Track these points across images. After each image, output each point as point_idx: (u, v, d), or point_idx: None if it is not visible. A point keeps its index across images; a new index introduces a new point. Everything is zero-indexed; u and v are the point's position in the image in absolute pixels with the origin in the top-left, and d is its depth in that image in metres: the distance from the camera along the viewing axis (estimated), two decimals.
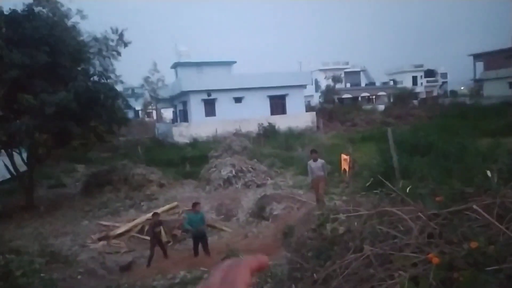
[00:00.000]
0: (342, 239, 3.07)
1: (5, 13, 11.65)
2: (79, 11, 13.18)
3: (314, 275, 4.06)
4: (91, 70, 13.72)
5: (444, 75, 70.61)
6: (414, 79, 63.89)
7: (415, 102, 46.50)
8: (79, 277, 7.16)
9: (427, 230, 2.42)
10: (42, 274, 6.10)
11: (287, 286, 5.05)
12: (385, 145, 14.32)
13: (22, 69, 10.79)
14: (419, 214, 2.54)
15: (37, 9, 12.12)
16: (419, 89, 60.53)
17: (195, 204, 8.84)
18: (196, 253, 8.41)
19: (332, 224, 3.17)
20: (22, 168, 13.29)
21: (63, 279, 6.71)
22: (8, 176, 14.25)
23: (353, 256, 2.64)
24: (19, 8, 11.87)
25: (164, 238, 9.72)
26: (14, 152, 12.80)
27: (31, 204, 12.69)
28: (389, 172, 9.46)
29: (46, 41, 11.50)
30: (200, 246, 8.45)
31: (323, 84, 47.23)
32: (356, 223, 3.06)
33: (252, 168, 14.84)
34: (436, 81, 67.90)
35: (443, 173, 9.53)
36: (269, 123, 28.54)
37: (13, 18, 11.59)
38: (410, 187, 3.32)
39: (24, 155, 13.08)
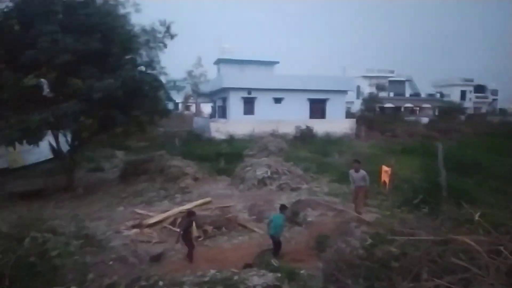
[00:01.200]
0: (396, 264, 2.78)
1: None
2: (135, 4, 13.48)
3: None
4: (138, 60, 13.97)
5: (494, 92, 67.11)
6: (463, 94, 61.10)
7: (462, 117, 44.36)
8: (110, 263, 7.20)
9: (508, 267, 2.10)
10: (76, 257, 6.18)
11: None
12: (428, 159, 13.65)
13: (74, 54, 11.12)
14: (500, 248, 2.22)
15: None
16: (467, 104, 57.81)
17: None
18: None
19: (385, 246, 2.88)
20: (65, 149, 13.76)
21: (95, 264, 6.75)
22: (51, 156, 14.86)
23: (412, 286, 2.36)
24: None
25: (194, 232, 9.70)
26: (59, 134, 13.25)
27: (71, 185, 13.10)
28: (434, 190, 8.94)
29: (98, 29, 11.82)
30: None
31: (366, 91, 46.12)
32: (413, 247, 2.76)
33: (287, 170, 14.58)
34: (486, 97, 64.65)
35: (493, 196, 8.90)
36: (307, 126, 28.14)
37: (69, 5, 11.98)
38: (479, 213, 2.96)
39: (69, 137, 13.51)
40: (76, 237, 7.91)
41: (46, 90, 11.59)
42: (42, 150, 15.51)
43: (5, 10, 12.03)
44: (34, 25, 11.20)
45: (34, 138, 11.21)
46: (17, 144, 11.41)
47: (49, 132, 12.50)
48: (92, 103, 11.17)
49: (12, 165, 15.94)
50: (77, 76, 11.30)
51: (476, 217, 2.95)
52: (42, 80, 11.19)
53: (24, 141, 11.31)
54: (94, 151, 20.36)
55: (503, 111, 57.65)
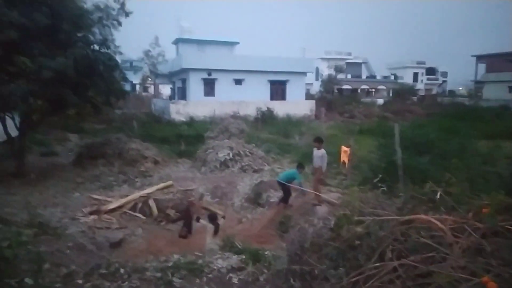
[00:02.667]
0: (362, 244, 2.85)
1: None
2: None
3: (315, 271, 3.87)
4: (91, 38, 13.19)
5: (444, 74, 70.73)
6: (415, 76, 63.83)
7: (415, 98, 46.39)
8: (67, 251, 6.90)
9: (472, 246, 2.18)
10: (29, 246, 5.86)
11: (285, 279, 4.86)
12: (384, 139, 14.16)
13: (20, 30, 10.29)
14: (464, 226, 2.31)
15: None
16: (419, 86, 60.51)
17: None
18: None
19: (351, 226, 2.94)
20: (14, 133, 12.88)
21: (51, 253, 6.44)
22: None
23: (378, 266, 2.42)
24: None
25: (156, 217, 9.54)
26: (6, 117, 12.37)
27: (22, 171, 12.34)
28: (391, 169, 9.30)
29: (46, 3, 10.97)
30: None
31: (325, 73, 46.83)
32: (377, 227, 2.83)
33: (249, 152, 14.60)
34: (436, 79, 67.99)
35: (446, 173, 9.40)
36: (268, 108, 28.25)
37: None
38: (441, 190, 3.08)
39: (17, 120, 12.65)
40: (29, 225, 7.52)
41: None
42: None
43: None
44: None
45: None
46: None
47: None
48: (42, 83, 10.44)
49: None
50: (24, 53, 10.47)
51: (438, 195, 3.07)
52: None
53: None
54: (46, 134, 19.27)
55: (451, 93, 60.87)
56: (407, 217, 2.74)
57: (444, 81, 70.19)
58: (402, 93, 44.00)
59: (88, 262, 6.55)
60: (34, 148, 16.36)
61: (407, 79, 59.81)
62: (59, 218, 8.81)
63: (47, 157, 15.92)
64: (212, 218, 8.73)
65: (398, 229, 2.75)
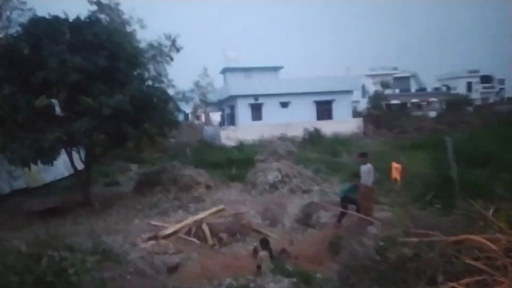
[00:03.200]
0: (410, 266, 2.83)
1: (70, 20, 12.39)
2: (140, 20, 13.78)
3: None
4: (146, 75, 14.22)
5: (501, 81, 66.12)
6: (469, 85, 60.48)
7: (470, 109, 43.86)
8: (128, 276, 7.30)
9: None
10: (93, 273, 6.27)
11: None
12: (438, 153, 13.56)
13: (83, 73, 11.39)
14: None
15: (99, 15, 12.77)
16: (474, 95, 57.16)
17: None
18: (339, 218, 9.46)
19: (398, 248, 2.94)
20: (80, 166, 14.02)
21: (113, 278, 6.85)
22: (67, 174, 15.13)
23: None
24: (84, 15, 12.59)
25: (209, 241, 9.81)
26: (73, 151, 13.53)
27: (87, 200, 13.33)
28: (446, 184, 8.90)
29: (105, 47, 12.08)
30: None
31: (371, 89, 45.94)
32: (427, 248, 2.80)
33: (298, 173, 14.65)
34: (492, 87, 63.80)
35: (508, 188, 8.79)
36: (315, 128, 28.17)
37: (76, 25, 12.28)
38: (493, 209, 2.99)
39: (82, 154, 13.78)
40: (93, 252, 8.02)
41: (57, 110, 11.87)
42: (59, 168, 15.81)
43: (15, 35, 12.40)
44: (43, 46, 11.50)
45: (48, 157, 11.47)
46: (38, 163, 11.69)
47: (63, 151, 12.76)
48: (103, 119, 11.40)
49: (31, 185, 16.27)
50: (87, 94, 11.54)
51: (490, 214, 2.98)
52: (53, 100, 11.47)
53: (39, 161, 11.58)
54: (109, 166, 20.67)
55: (511, 100, 56.77)
56: (455, 238, 2.69)
57: (501, 89, 65.73)
58: (456, 104, 41.84)
59: (147, 287, 6.91)
60: (98, 179, 17.63)
61: (460, 89, 56.87)
62: (121, 244, 9.34)
63: (110, 186, 17.04)
64: (265, 243, 8.62)
65: (450, 250, 2.71)
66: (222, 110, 37.56)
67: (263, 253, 7.74)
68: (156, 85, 13.92)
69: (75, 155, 13.54)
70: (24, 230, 10.07)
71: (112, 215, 12.16)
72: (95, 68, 11.62)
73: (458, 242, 2.86)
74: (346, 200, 9.66)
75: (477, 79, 61.42)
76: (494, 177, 9.70)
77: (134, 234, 10.09)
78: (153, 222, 10.93)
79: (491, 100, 58.76)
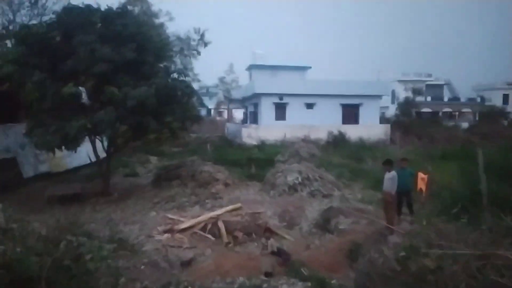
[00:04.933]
0: (431, 278, 2.61)
1: (102, 10, 12.57)
2: (168, 13, 13.86)
3: None
4: (172, 68, 14.28)
5: None
6: (505, 98, 58.07)
7: (505, 122, 42.14)
8: (142, 267, 7.31)
9: None
10: (109, 261, 6.29)
11: None
12: (469, 165, 12.96)
13: (110, 63, 11.52)
14: None
15: (130, 7, 12.90)
16: (510, 108, 54.87)
17: (402, 160, 9.74)
18: (399, 211, 9.25)
19: (420, 258, 2.71)
20: (102, 155, 14.24)
21: (128, 268, 6.88)
22: (89, 161, 15.42)
23: None
24: (115, 5, 12.76)
25: (224, 238, 9.70)
26: (96, 140, 13.75)
27: (107, 190, 13.52)
28: (474, 198, 8.45)
29: (134, 39, 12.19)
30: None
31: (401, 95, 44.82)
32: (450, 261, 2.58)
33: (319, 176, 14.34)
34: None
35: None
36: (340, 132, 27.68)
37: (107, 15, 12.44)
38: None
39: (105, 143, 13.98)
40: (110, 241, 8.09)
41: (84, 98, 12.07)
42: (82, 155, 16.16)
43: (48, 22, 12.68)
44: (74, 36, 11.70)
45: (73, 144, 11.68)
46: (62, 149, 11.94)
47: (87, 138, 12.98)
48: (127, 110, 11.50)
49: (54, 169, 16.68)
50: (113, 84, 11.68)
51: None
52: (80, 88, 11.66)
53: (63, 147, 11.80)
54: (129, 157, 20.97)
55: None
56: (481, 252, 2.46)
57: None
58: (491, 115, 40.27)
59: (160, 279, 6.88)
60: (118, 169, 17.89)
61: (496, 101, 54.70)
62: (137, 235, 9.41)
63: (129, 177, 17.26)
64: (281, 252, 8.41)
65: (474, 265, 2.47)
66: (246, 107, 37.49)
67: (272, 241, 7.98)
68: (181, 78, 13.93)
69: (98, 144, 13.74)
70: (45, 214, 10.28)
71: (130, 206, 12.27)
72: (122, 60, 11.74)
73: (484, 257, 2.62)
74: (401, 194, 9.27)
75: None
76: None
77: (150, 226, 10.14)
78: (170, 216, 10.93)
79: None
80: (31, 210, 10.72)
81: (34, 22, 12.85)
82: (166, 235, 9.51)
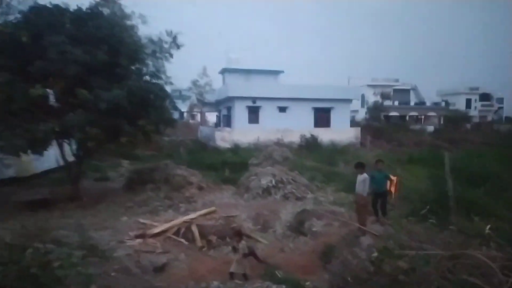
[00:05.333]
0: (406, 279, 2.71)
1: (71, 10, 12.23)
2: (142, 16, 13.63)
3: None
4: (144, 70, 14.07)
5: (500, 100, 66.68)
6: (468, 102, 60.92)
7: (468, 126, 44.11)
8: (113, 274, 7.14)
9: None
10: (79, 268, 6.13)
11: None
12: (435, 169, 13.49)
13: (82, 65, 11.23)
14: None
15: (101, 8, 12.62)
16: (472, 112, 57.52)
17: (377, 162, 9.75)
18: (376, 213, 9.29)
19: (394, 260, 2.81)
20: (71, 159, 13.82)
21: (99, 275, 6.70)
22: (58, 165, 14.92)
23: None
24: (85, 6, 12.43)
25: (198, 242, 9.63)
26: (64, 143, 13.31)
27: (77, 194, 13.12)
28: (442, 200, 8.81)
29: (106, 40, 11.93)
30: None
31: (371, 99, 46.04)
32: (422, 262, 2.69)
33: (292, 179, 14.51)
34: (491, 105, 64.30)
35: (504, 208, 8.73)
36: (312, 135, 28.10)
37: (77, 16, 12.13)
38: (489, 226, 2.89)
39: (74, 147, 13.58)
40: (80, 247, 7.86)
41: (52, 100, 11.68)
42: (51, 159, 15.61)
43: (14, 21, 12.20)
44: (43, 36, 11.33)
45: (40, 148, 11.29)
46: (28, 153, 11.50)
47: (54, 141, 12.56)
48: (98, 113, 11.23)
49: (21, 174, 16.00)
50: (84, 86, 11.38)
51: (487, 230, 2.88)
52: (48, 90, 11.29)
53: (30, 151, 11.37)
54: (100, 161, 20.43)
55: (509, 120, 57.19)
56: (451, 253, 2.58)
57: (500, 108, 66.21)
58: (455, 120, 42.05)
59: (132, 285, 6.75)
60: (89, 173, 17.39)
61: (460, 105, 57.20)
62: (108, 241, 9.16)
63: (100, 181, 16.82)
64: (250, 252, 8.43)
65: (445, 265, 2.60)
66: (219, 111, 37.41)
67: (243, 243, 7.81)
68: (154, 81, 13.75)
69: (66, 147, 13.33)
70: (10, 221, 9.85)
71: (100, 211, 11.96)
72: (95, 62, 11.46)
73: (454, 258, 2.76)
74: (377, 195, 9.34)
75: (476, 97, 61.86)
76: (490, 196, 9.68)
77: (122, 231, 9.92)
78: (142, 220, 10.74)
79: (489, 118, 59.16)
80: None
81: None
82: (138, 240, 9.33)
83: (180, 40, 14.45)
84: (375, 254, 3.33)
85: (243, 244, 7.95)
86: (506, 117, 61.46)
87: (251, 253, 8.20)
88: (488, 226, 2.92)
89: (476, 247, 2.79)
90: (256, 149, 24.90)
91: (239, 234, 8.18)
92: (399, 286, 2.97)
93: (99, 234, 9.59)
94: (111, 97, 11.04)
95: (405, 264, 2.86)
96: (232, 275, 7.09)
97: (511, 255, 2.38)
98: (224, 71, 35.83)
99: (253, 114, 30.54)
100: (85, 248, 7.86)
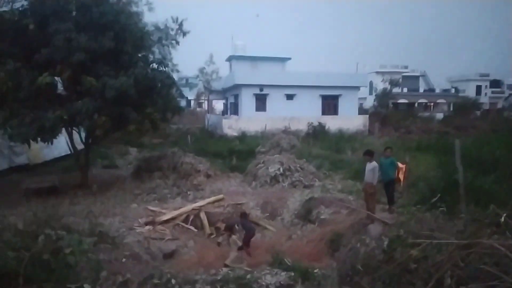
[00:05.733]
0: (418, 268, 2.67)
1: None
2: (148, 2, 13.50)
3: None
4: (151, 57, 13.99)
5: (510, 87, 65.46)
6: (478, 89, 59.88)
7: (478, 113, 43.45)
8: (124, 260, 7.21)
9: None
10: (89, 254, 6.19)
11: None
12: (444, 156, 13.32)
13: (88, 53, 11.19)
14: None
15: None
16: (483, 99, 56.60)
17: (386, 149, 9.55)
18: (389, 201, 9.23)
19: (406, 248, 2.77)
20: (80, 147, 13.89)
21: (109, 261, 6.77)
22: (69, 152, 15.03)
23: None
24: None
25: (207, 230, 9.69)
26: (73, 131, 13.37)
27: (85, 182, 13.23)
28: (451, 188, 8.71)
29: (111, 27, 11.85)
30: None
31: (379, 87, 45.47)
32: (435, 250, 2.65)
33: (300, 167, 14.47)
34: (502, 92, 63.18)
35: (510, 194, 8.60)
36: (319, 123, 27.91)
37: (82, 3, 12.02)
38: (505, 214, 2.83)
39: (83, 135, 13.64)
40: (90, 234, 7.94)
41: (60, 88, 11.69)
42: (62, 145, 15.73)
43: (20, 9, 12.15)
44: (49, 24, 11.28)
45: (49, 136, 11.33)
46: (38, 140, 11.57)
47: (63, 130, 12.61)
48: (105, 101, 11.23)
49: (32, 161, 16.18)
50: (91, 74, 11.36)
51: (502, 219, 2.82)
52: (56, 78, 11.29)
53: (39, 139, 11.44)
54: (108, 148, 20.56)
55: None
56: (467, 241, 2.54)
57: (510, 95, 65.10)
58: (464, 107, 41.44)
59: (142, 272, 6.80)
60: (97, 161, 17.52)
61: (470, 92, 56.28)
62: (118, 227, 9.25)
63: (108, 169, 16.94)
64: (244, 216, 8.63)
65: (458, 254, 2.55)
66: (226, 99, 37.27)
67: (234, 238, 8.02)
68: (161, 69, 13.68)
69: (75, 135, 13.39)
70: (21, 208, 10.00)
71: (109, 198, 12.07)
72: (100, 49, 11.42)
73: (468, 247, 2.70)
74: (387, 183, 9.30)
75: (487, 83, 60.83)
76: (500, 183, 9.54)
77: (131, 218, 10.01)
78: (151, 208, 10.82)
79: (499, 106, 58.24)
80: (7, 204, 10.41)
81: (4, 9, 12.24)
82: (147, 227, 9.42)
83: (186, 27, 14.31)
84: (387, 242, 3.29)
85: (233, 239, 7.90)
86: None
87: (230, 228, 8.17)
88: (504, 214, 2.85)
89: (491, 236, 2.74)
90: (263, 137, 24.83)
91: (230, 229, 8.18)
92: (410, 275, 2.93)
93: (108, 221, 9.68)
94: (118, 84, 11.02)
95: (418, 253, 2.82)
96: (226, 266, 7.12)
97: None
98: (231, 59, 35.57)
99: (260, 101, 30.38)
100: (95, 235, 7.94)
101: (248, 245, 8.45)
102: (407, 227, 3.20)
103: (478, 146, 14.57)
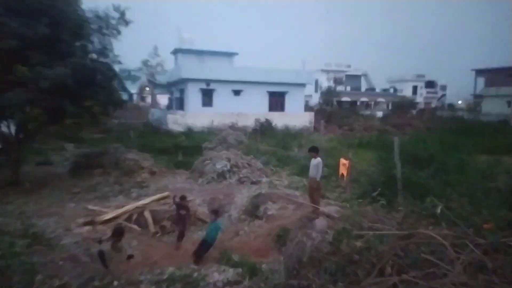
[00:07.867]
0: (362, 258, 2.76)
1: None
2: None
3: (313, 286, 3.76)
4: (90, 47, 13.22)
5: (443, 88, 70.88)
6: (414, 89, 64.16)
7: (414, 112, 46.56)
8: (60, 262, 6.79)
9: (473, 262, 2.11)
10: (22, 257, 5.77)
11: None
12: (384, 153, 14.07)
13: (20, 39, 10.32)
14: (466, 242, 2.24)
15: None
16: (418, 99, 60.74)
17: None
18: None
19: (350, 240, 2.86)
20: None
21: (44, 264, 6.34)
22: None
23: (378, 281, 2.33)
24: None
25: (151, 228, 9.39)
26: (2, 125, 12.31)
27: (17, 180, 12.27)
28: (390, 182, 9.21)
29: (47, 12, 11.02)
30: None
31: (324, 84, 47.02)
32: (377, 241, 2.75)
33: (247, 164, 14.51)
34: (435, 92, 68.24)
35: (446, 188, 9.32)
36: (266, 119, 28.24)
37: None
38: (440, 206, 3.00)
39: (12, 128, 12.60)
40: (23, 236, 7.42)
41: None
42: None
43: None
44: None
45: None
46: None
47: None
48: (40, 92, 10.41)
49: None
50: (24, 62, 10.48)
51: (439, 210, 3.00)
52: None
53: None
54: (42, 144, 19.18)
55: (451, 106, 61.05)
56: (407, 232, 2.67)
57: (443, 95, 70.45)
58: (402, 106, 44.16)
59: (82, 274, 6.44)
60: (30, 157, 16.26)
61: (407, 92, 60.10)
62: (54, 228, 8.71)
63: (43, 166, 15.81)
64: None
65: (398, 244, 2.67)
66: (171, 93, 36.38)
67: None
68: (101, 59, 12.97)
69: (5, 129, 12.32)
70: None
71: (44, 197, 11.27)
72: (34, 35, 10.55)
73: (407, 237, 2.85)
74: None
75: (422, 84, 65.28)
76: (434, 178, 10.28)
77: (69, 218, 9.44)
78: (91, 207, 10.26)
79: (433, 105, 62.74)
80: None
81: None
82: (86, 227, 8.92)
83: (129, 16, 13.65)
84: (333, 234, 3.38)
85: (121, 244, 7.40)
86: (448, 104, 65.43)
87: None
88: (440, 206, 3.04)
89: (428, 227, 2.91)
90: (210, 132, 24.60)
91: (121, 234, 7.68)
92: (354, 266, 3.03)
93: (43, 222, 9.09)
94: (53, 75, 10.27)
95: (362, 244, 2.92)
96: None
97: (460, 233, 2.50)
98: (176, 52, 34.73)
99: (207, 97, 30.05)
100: (29, 236, 7.46)
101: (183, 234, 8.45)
102: (351, 220, 3.31)
103: (414, 143, 15.57)
